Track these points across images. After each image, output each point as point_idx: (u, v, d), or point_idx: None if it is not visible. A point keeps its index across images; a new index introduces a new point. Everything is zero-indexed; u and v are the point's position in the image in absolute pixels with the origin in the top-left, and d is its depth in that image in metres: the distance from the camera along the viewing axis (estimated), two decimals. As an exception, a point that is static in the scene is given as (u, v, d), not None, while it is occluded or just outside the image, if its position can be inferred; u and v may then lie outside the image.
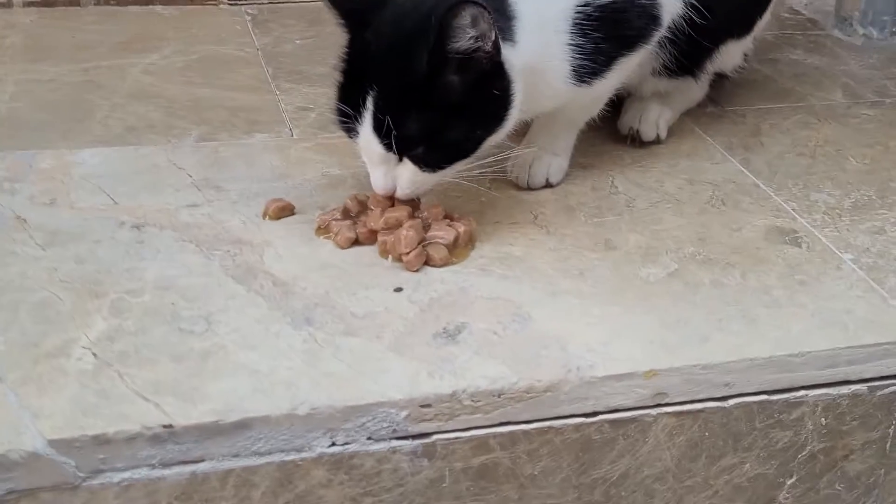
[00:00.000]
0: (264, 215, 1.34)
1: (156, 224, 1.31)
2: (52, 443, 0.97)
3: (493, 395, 1.08)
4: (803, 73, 1.94)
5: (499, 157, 1.30)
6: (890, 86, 1.90)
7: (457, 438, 1.08)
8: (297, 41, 1.94)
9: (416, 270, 1.24)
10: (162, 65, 1.81)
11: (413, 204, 1.31)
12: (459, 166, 1.27)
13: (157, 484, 1.01)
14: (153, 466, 1.00)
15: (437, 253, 1.26)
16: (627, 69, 1.42)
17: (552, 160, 1.45)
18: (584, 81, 1.34)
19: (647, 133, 1.59)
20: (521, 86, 1.25)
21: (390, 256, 1.26)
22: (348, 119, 1.24)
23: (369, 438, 1.06)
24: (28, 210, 1.32)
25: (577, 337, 1.15)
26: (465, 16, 1.15)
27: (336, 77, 1.27)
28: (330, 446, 1.05)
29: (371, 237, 1.29)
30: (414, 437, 1.07)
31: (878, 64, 2.00)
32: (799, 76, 1.92)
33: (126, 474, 1.00)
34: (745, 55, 1.71)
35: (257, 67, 1.82)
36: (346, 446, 1.05)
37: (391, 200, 1.29)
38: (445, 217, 1.31)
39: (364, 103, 1.22)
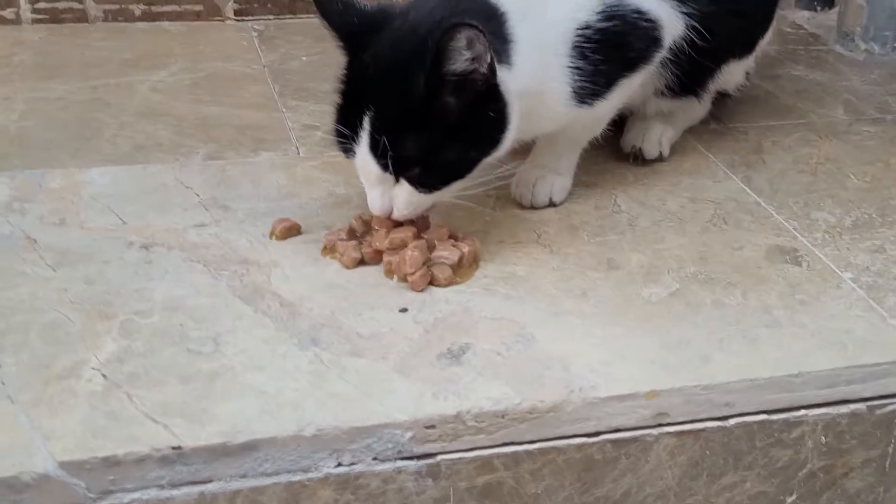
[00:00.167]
0: (271, 235, 1.35)
1: (164, 244, 1.33)
2: (63, 464, 0.98)
3: (497, 416, 1.09)
4: (805, 89, 1.96)
5: (496, 175, 1.32)
6: (891, 102, 1.91)
7: (461, 458, 1.10)
8: (304, 58, 1.96)
9: (421, 290, 1.26)
10: (170, 82, 1.83)
11: (421, 225, 1.32)
12: (456, 187, 1.29)
13: (167, 504, 1.03)
14: (162, 487, 1.02)
15: (442, 273, 1.27)
16: (629, 90, 1.44)
17: (555, 179, 1.47)
18: (584, 103, 1.36)
19: (650, 151, 1.61)
20: (517, 108, 1.27)
21: (395, 276, 1.28)
22: (346, 139, 1.26)
23: (375, 459, 1.07)
24: (38, 230, 1.34)
25: (580, 357, 1.16)
26: (461, 38, 1.17)
27: (335, 98, 1.29)
28: (336, 467, 1.06)
29: (376, 257, 1.30)
30: (419, 457, 1.09)
31: (879, 80, 2.02)
32: (801, 92, 1.94)
33: (135, 495, 1.01)
34: (748, 74, 1.72)
35: (264, 85, 1.84)
36: (352, 467, 1.07)
37: (394, 221, 1.31)
38: (450, 237, 1.32)
39: (361, 124, 1.24)
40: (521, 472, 1.12)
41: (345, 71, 1.29)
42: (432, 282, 1.27)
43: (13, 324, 1.16)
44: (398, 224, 1.31)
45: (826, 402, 1.20)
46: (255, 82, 1.85)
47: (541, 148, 1.49)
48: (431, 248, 1.30)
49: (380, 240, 1.30)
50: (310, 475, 1.06)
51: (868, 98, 1.92)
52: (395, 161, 1.23)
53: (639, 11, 1.36)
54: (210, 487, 1.03)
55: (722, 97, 1.72)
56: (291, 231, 1.36)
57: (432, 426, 1.08)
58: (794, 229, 1.45)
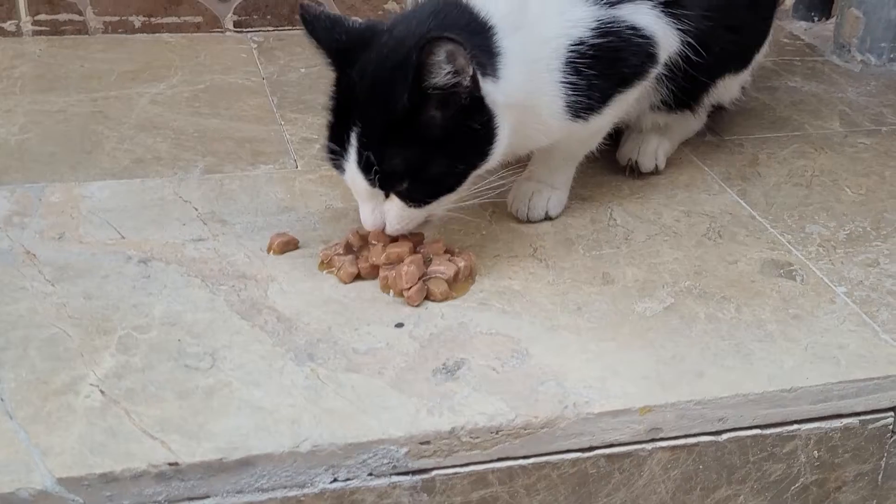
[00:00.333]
0: (269, 250, 1.36)
1: (162, 258, 1.34)
2: (61, 481, 1.00)
3: (491, 432, 1.10)
4: (801, 100, 1.97)
5: (487, 187, 1.32)
6: (887, 113, 1.92)
7: (456, 473, 1.11)
8: (303, 70, 1.97)
9: (417, 305, 1.27)
10: (169, 94, 1.84)
11: (416, 239, 1.33)
12: (447, 200, 1.30)
13: (163, 519, 1.04)
14: (159, 503, 1.03)
15: (438, 288, 1.28)
16: (624, 105, 1.45)
17: (551, 193, 1.48)
18: (579, 117, 1.37)
19: (646, 164, 1.62)
20: (507, 120, 1.27)
21: (392, 291, 1.29)
22: (336, 156, 1.27)
23: (370, 474, 1.08)
24: (37, 245, 1.35)
25: (574, 373, 1.17)
26: (441, 52, 1.17)
27: (326, 115, 1.30)
28: (332, 482, 1.07)
29: (373, 272, 1.31)
30: (414, 472, 1.10)
31: (875, 91, 2.03)
32: (797, 104, 1.95)
33: (132, 510, 1.03)
34: (743, 87, 1.73)
35: (263, 97, 1.85)
36: (348, 482, 1.08)
37: (388, 236, 1.32)
38: (446, 252, 1.33)
39: (349, 140, 1.25)
40: (516, 487, 1.13)
41: (333, 88, 1.30)
42: (428, 296, 1.28)
43: (12, 339, 1.17)
44: (394, 238, 1.32)
45: (819, 416, 1.21)
46: (254, 94, 1.86)
47: (537, 162, 1.50)
48: (427, 262, 1.31)
49: (376, 254, 1.31)
50: (306, 490, 1.07)
51: (863, 110, 1.93)
52: (382, 176, 1.24)
53: (634, 28, 1.37)
54: (207, 503, 1.04)
55: (718, 109, 1.73)
56: (289, 246, 1.37)
57: (427, 442, 1.08)
58: (789, 243, 1.46)
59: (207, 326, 1.21)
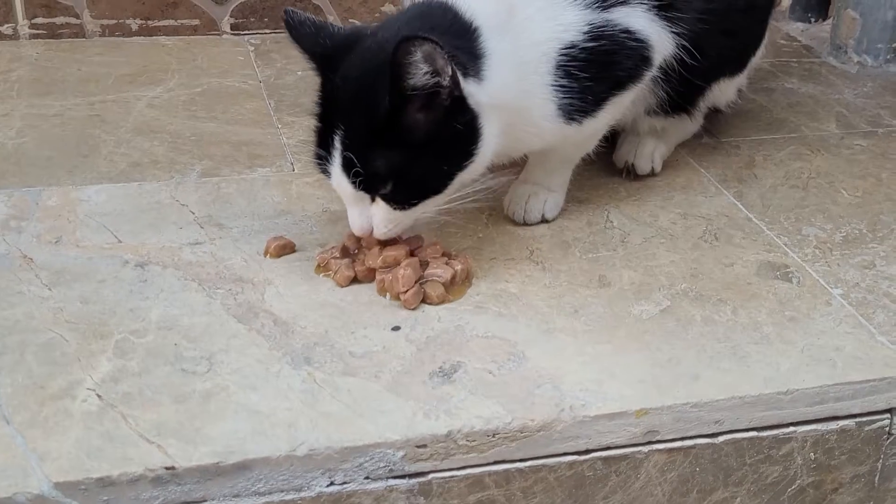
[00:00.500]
0: (265, 253, 1.37)
1: (159, 262, 1.34)
2: (58, 485, 1.00)
3: (488, 435, 1.10)
4: (798, 102, 1.97)
5: (476, 188, 1.32)
6: (883, 115, 1.92)
7: (452, 477, 1.11)
8: (299, 73, 1.96)
9: (414, 309, 1.27)
10: (166, 98, 1.84)
11: (414, 242, 1.33)
12: (434, 203, 1.30)
13: (160, 523, 1.04)
14: (156, 507, 1.04)
15: (434, 291, 1.28)
16: (619, 108, 1.45)
17: (548, 196, 1.48)
18: (573, 120, 1.37)
19: (643, 167, 1.62)
20: (492, 122, 1.27)
21: (388, 294, 1.29)
22: (322, 160, 1.28)
23: (367, 478, 1.08)
24: (34, 249, 1.35)
25: (571, 376, 1.18)
26: (416, 52, 1.17)
27: (312, 120, 1.30)
28: (328, 486, 1.08)
29: (369, 275, 1.31)
30: (410, 476, 1.10)
31: (871, 92, 2.03)
32: (793, 105, 1.95)
33: (129, 514, 1.03)
34: (740, 90, 1.73)
35: (260, 100, 1.85)
36: (345, 486, 1.08)
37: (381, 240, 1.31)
38: (443, 255, 1.33)
39: (333, 143, 1.25)
40: (513, 490, 1.14)
41: (318, 92, 1.30)
42: (425, 300, 1.28)
43: (9, 344, 1.17)
44: (392, 242, 1.32)
45: (815, 418, 1.21)
46: (250, 98, 1.86)
47: (533, 165, 1.50)
48: (424, 265, 1.31)
49: (373, 258, 1.31)
50: (302, 494, 1.07)
51: (860, 111, 1.94)
52: (365, 179, 1.24)
53: (627, 31, 1.37)
54: (203, 507, 1.05)
55: (714, 112, 1.73)
56: (285, 249, 1.37)
57: (424, 445, 1.09)
58: (785, 245, 1.46)
59: (204, 330, 1.22)
